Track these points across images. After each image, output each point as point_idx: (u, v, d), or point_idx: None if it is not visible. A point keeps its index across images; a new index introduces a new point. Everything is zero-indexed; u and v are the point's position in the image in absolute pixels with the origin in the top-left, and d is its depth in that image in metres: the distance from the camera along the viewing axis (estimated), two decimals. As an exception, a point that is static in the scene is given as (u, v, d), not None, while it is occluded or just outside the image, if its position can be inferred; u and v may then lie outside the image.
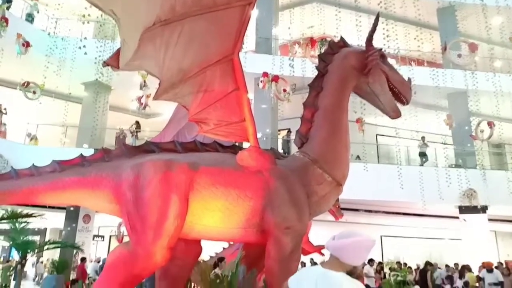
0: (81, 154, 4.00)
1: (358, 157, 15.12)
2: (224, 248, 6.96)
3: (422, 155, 16.44)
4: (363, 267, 12.88)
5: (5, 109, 14.49)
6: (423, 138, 16.63)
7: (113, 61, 3.56)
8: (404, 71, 12.10)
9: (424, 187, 13.38)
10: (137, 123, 16.74)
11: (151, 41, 3.38)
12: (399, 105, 4.38)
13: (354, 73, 4.35)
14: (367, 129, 14.51)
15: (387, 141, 17.63)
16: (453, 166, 15.54)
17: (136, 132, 16.36)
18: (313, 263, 12.95)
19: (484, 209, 14.79)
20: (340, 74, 4.35)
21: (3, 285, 16.01)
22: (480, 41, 16.56)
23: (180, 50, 3.52)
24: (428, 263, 12.85)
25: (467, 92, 15.71)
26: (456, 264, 13.23)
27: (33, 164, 3.96)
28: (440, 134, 17.20)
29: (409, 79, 4.49)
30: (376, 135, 18.52)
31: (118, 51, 3.58)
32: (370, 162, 14.26)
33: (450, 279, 11.69)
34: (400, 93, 4.34)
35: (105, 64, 3.60)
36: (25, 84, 13.04)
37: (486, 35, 15.06)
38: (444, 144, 16.63)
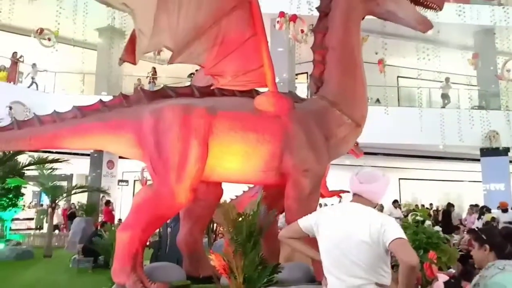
0: (100, 99, 4.04)
1: (378, 100, 14.84)
2: (244, 191, 7.14)
3: (445, 97, 16.02)
4: (381, 210, 13.13)
5: (21, 56, 14.53)
6: (447, 79, 16.08)
7: (128, 57, 3.44)
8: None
9: (445, 129, 13.16)
10: (154, 69, 16.65)
11: (165, 9, 3.31)
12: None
13: (357, 2, 4.13)
14: (388, 71, 14.10)
15: (409, 83, 17.17)
16: (476, 107, 15.14)
17: (153, 78, 16.32)
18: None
19: (506, 151, 14.56)
20: (343, 7, 4.15)
21: (37, 226, 17.10)
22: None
23: (194, 4, 3.42)
24: (450, 204, 12.95)
25: (495, 29, 14.90)
26: (476, 205, 13.29)
27: (54, 110, 4.03)
28: (464, 75, 16.60)
29: None
30: (398, 77, 18.02)
31: (129, 45, 3.45)
32: (390, 106, 14.00)
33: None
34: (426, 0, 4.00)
35: (121, 61, 3.50)
36: (39, 31, 12.95)
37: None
38: (468, 85, 16.11)
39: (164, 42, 3.56)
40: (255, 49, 3.71)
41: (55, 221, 15.96)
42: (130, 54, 3.43)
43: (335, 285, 2.17)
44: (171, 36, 3.51)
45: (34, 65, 14.83)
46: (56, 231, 14.57)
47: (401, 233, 2.08)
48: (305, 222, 2.36)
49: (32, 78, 14.73)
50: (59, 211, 16.66)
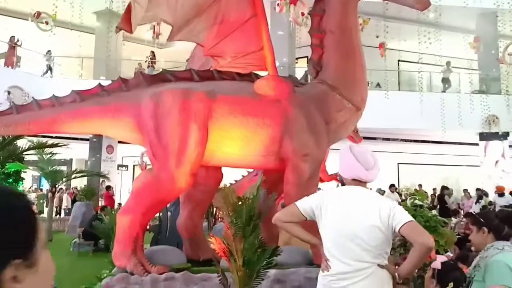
0: (99, 83, 4.01)
1: (378, 84, 14.76)
2: (243, 176, 7.16)
3: (445, 81, 15.94)
4: (383, 194, 13.20)
5: (18, 40, 14.38)
6: (448, 63, 15.96)
7: (125, 25, 3.44)
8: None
9: (445, 113, 13.13)
10: (153, 53, 16.52)
11: None
12: None
13: None
14: (388, 54, 13.99)
15: (410, 67, 17.06)
16: (476, 92, 15.09)
17: (152, 62, 16.20)
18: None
19: (505, 135, 14.58)
20: None
21: (37, 211, 17.22)
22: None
23: None
24: (444, 188, 13.02)
25: (497, 12, 14.72)
26: (477, 189, 13.33)
27: (53, 94, 4.01)
28: (465, 59, 16.49)
29: None
30: (398, 61, 17.89)
31: (125, 14, 3.42)
32: (391, 90, 13.94)
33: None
34: None
35: (118, 29, 3.50)
36: (36, 14, 12.78)
37: None
38: (469, 69, 16.02)
39: (162, 16, 3.53)
40: (255, 31, 3.68)
41: (62, 205, 16.15)
42: (127, 23, 3.42)
43: (339, 268, 2.19)
44: (170, 12, 3.48)
45: (49, 51, 14.77)
46: (59, 215, 14.69)
47: (410, 216, 2.14)
48: (304, 205, 2.34)
49: (48, 65, 14.70)
50: (64, 195, 16.78)
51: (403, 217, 2.11)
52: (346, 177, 2.40)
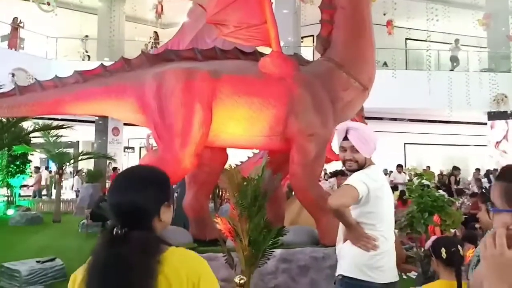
0: (101, 64, 3.97)
1: (385, 63, 14.53)
2: (248, 157, 7.13)
3: (454, 59, 15.65)
4: (390, 175, 13.15)
5: (21, 22, 14.25)
6: (456, 40, 15.62)
7: None
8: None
9: (453, 92, 12.93)
10: (156, 34, 16.34)
11: None
12: None
13: None
14: (396, 32, 13.70)
15: (417, 45, 16.74)
16: (485, 70, 14.81)
17: (155, 43, 16.04)
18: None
19: (514, 114, 14.37)
20: None
21: (48, 193, 17.40)
22: None
23: None
24: (455, 168, 12.90)
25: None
26: (495, 170, 13.18)
27: (55, 75, 3.97)
28: (475, 36, 16.14)
29: None
30: (406, 39, 17.56)
31: None
32: (398, 69, 13.72)
33: (479, 182, 11.87)
34: None
35: None
36: (38, -5, 12.63)
37: None
38: (478, 47, 15.69)
39: None
40: (258, 3, 3.58)
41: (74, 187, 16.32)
42: None
43: (385, 247, 2.28)
44: None
45: (86, 36, 14.75)
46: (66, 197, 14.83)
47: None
48: (362, 187, 2.21)
49: (86, 51, 14.69)
50: (75, 178, 16.90)
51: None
52: (369, 157, 2.40)
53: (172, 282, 1.12)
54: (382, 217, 2.30)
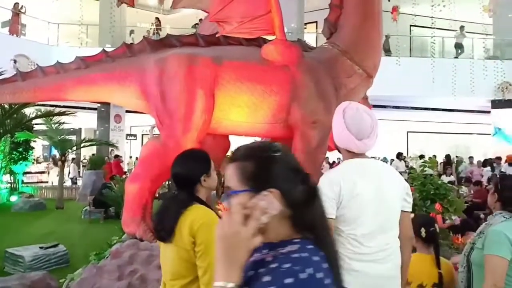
0: (103, 49, 3.93)
1: (389, 50, 14.38)
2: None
3: (458, 46, 15.47)
4: (391, 163, 13.12)
5: (22, 7, 14.11)
6: (461, 27, 15.42)
7: None
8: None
9: (457, 80, 12.81)
10: (158, 20, 16.20)
11: None
12: None
13: None
14: (400, 19, 13.52)
15: (422, 32, 16.55)
16: (490, 57, 14.64)
17: (157, 29, 15.92)
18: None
19: (519, 103, 14.25)
20: None
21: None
22: None
23: None
24: (456, 157, 12.88)
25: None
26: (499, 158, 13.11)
27: (57, 61, 3.94)
28: (480, 23, 15.93)
29: None
30: (410, 26, 17.36)
31: None
32: (402, 56, 13.59)
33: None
34: None
35: (120, 2, 3.34)
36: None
37: None
38: (483, 34, 15.48)
39: None
40: None
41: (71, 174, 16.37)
42: None
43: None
44: None
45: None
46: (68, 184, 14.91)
47: None
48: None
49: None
50: (71, 165, 16.95)
51: (411, 201, 2.14)
52: (338, 146, 2.09)
53: (181, 224, 1.81)
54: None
